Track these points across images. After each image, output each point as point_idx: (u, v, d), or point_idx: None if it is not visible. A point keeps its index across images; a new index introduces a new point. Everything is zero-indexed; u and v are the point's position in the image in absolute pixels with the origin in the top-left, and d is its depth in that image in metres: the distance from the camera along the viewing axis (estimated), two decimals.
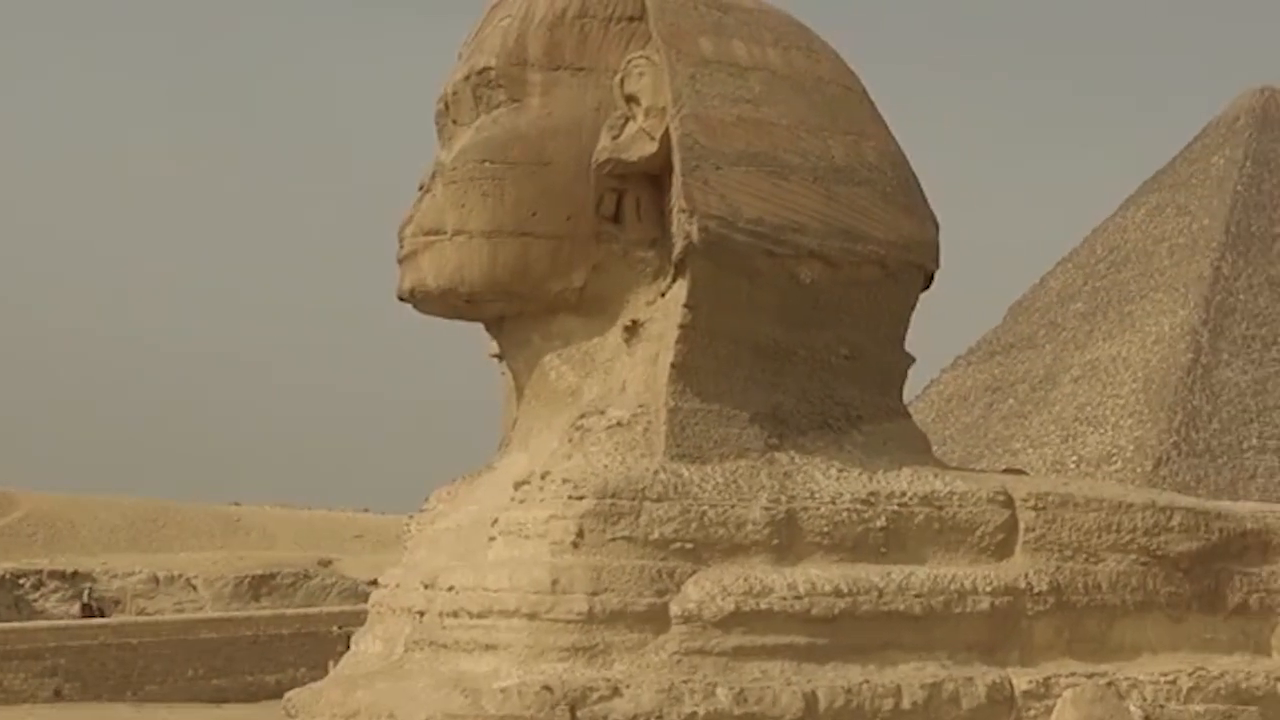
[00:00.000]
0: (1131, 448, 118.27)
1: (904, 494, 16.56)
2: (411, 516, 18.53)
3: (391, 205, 17.28)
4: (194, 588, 66.48)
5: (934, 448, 18.58)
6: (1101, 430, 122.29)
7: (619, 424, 16.27)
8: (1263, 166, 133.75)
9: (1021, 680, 16.32)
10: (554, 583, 15.32)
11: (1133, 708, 16.54)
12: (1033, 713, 16.26)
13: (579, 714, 14.79)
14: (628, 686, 15.02)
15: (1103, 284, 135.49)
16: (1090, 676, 16.55)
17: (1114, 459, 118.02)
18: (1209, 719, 16.86)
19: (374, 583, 18.79)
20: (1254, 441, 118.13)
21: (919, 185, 17.58)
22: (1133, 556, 17.03)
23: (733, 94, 16.56)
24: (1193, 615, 17.31)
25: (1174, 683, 16.85)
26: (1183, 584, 17.23)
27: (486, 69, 16.80)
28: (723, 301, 16.31)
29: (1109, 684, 16.57)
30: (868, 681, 15.69)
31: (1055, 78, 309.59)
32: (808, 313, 16.78)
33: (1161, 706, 16.67)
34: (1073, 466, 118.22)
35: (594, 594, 15.29)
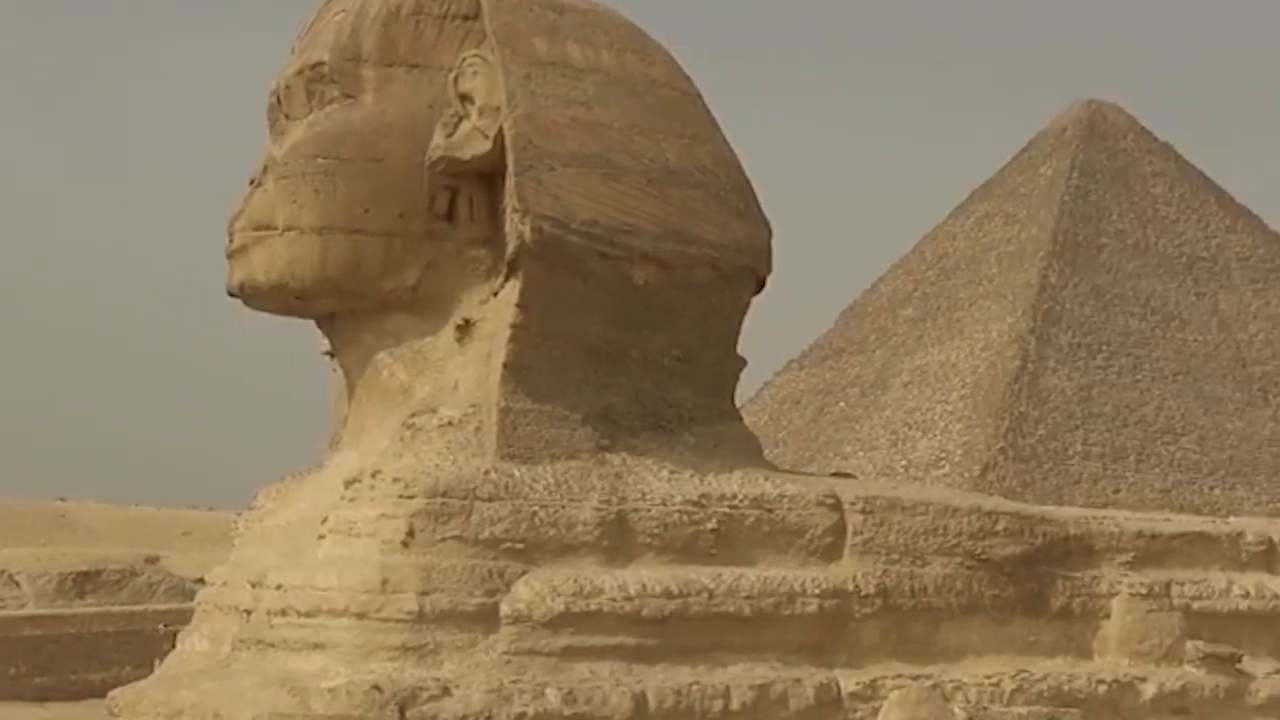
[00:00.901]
0: (960, 452, 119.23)
1: (735, 496, 16.62)
2: (240, 514, 18.35)
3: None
4: (17, 584, 65.30)
5: (766, 450, 18.68)
6: (930, 435, 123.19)
7: (450, 423, 16.23)
8: (1089, 177, 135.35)
9: (849, 682, 16.43)
10: (384, 582, 15.24)
11: (957, 709, 16.70)
12: (859, 714, 16.38)
13: (408, 714, 14.71)
14: (457, 686, 14.96)
15: (932, 290, 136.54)
16: (916, 678, 16.69)
17: (942, 463, 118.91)
18: None
19: (201, 581, 18.58)
20: (1079, 448, 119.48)
21: (752, 190, 17.65)
22: (958, 560, 17.19)
23: (567, 95, 16.55)
24: (1017, 618, 17.49)
25: (997, 685, 17.03)
26: (1007, 587, 17.41)
27: (320, 64, 16.68)
28: (555, 302, 16.31)
29: (934, 686, 16.72)
30: (697, 682, 15.73)
31: (886, 85, 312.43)
32: (640, 314, 16.80)
33: (985, 708, 16.85)
34: (902, 470, 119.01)
35: (424, 594, 15.22)
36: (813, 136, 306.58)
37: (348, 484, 16.19)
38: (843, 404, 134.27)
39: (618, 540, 16.03)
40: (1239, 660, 18.15)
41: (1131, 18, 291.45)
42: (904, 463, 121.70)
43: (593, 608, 15.55)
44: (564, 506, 15.90)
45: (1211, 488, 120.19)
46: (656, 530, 16.17)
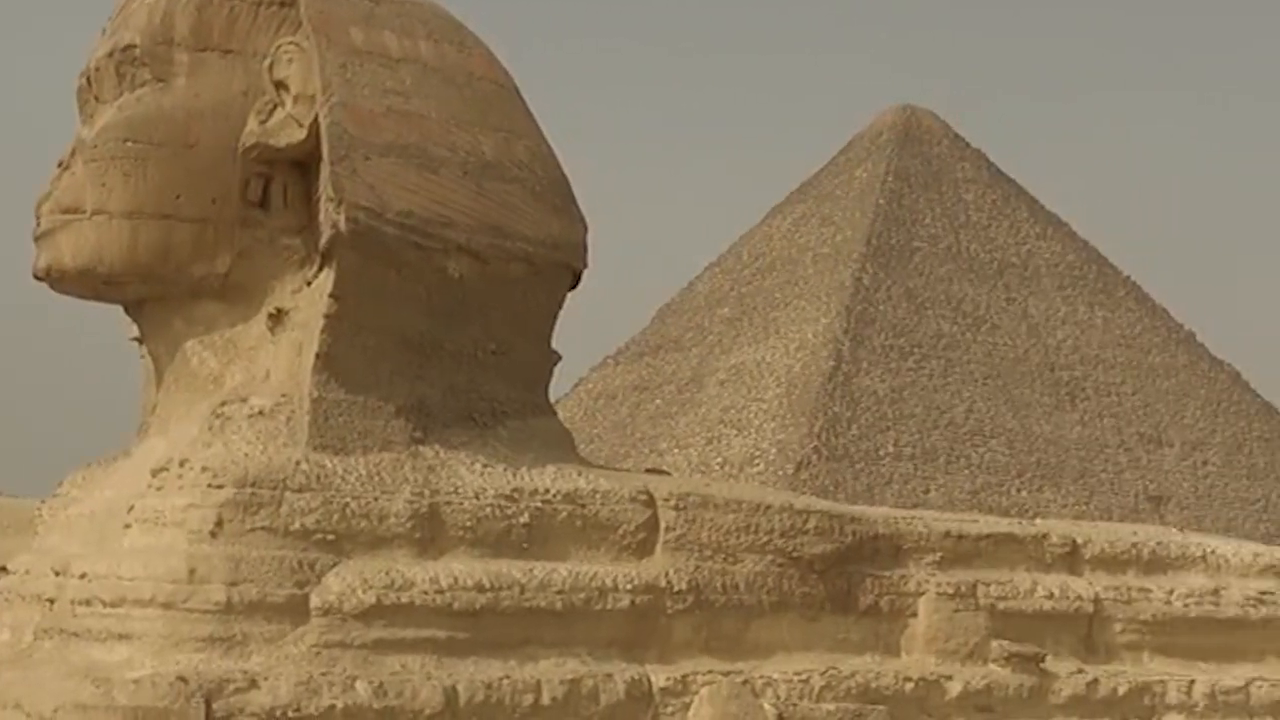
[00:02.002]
0: (774, 451, 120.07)
1: (548, 491, 16.59)
2: (44, 501, 18.06)
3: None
4: None
5: (582, 446, 18.67)
6: (745, 433, 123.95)
7: (261, 413, 16.06)
8: (903, 181, 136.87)
9: (660, 677, 16.46)
10: (191, 572, 15.05)
11: (767, 705, 16.78)
12: (670, 709, 16.41)
13: (214, 705, 14.53)
14: (265, 678, 14.81)
15: (748, 290, 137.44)
16: (727, 674, 16.75)
17: (757, 461, 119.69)
18: (839, 717, 17.17)
19: (3, 569, 18.25)
20: (890, 449, 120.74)
21: (569, 185, 17.64)
22: (770, 557, 17.27)
23: (383, 85, 16.44)
24: (826, 616, 17.60)
25: (806, 681, 17.13)
26: (817, 585, 17.52)
27: (131, 46, 16.44)
28: (369, 293, 16.19)
29: (744, 682, 16.79)
30: (508, 677, 15.69)
31: (706, 86, 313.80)
32: (455, 307, 16.74)
33: (794, 704, 16.94)
34: (717, 468, 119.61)
35: (232, 584, 15.05)
36: (629, 133, 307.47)
37: (155, 473, 15.97)
38: (659, 401, 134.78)
39: (430, 533, 15.95)
40: (1042, 660, 18.40)
41: (947, 24, 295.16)
42: (719, 460, 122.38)
43: (404, 601, 15.45)
44: (376, 498, 15.80)
45: (1019, 490, 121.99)
46: (469, 524, 16.11)
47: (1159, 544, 20.03)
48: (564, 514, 16.60)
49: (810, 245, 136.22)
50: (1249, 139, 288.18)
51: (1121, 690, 18.76)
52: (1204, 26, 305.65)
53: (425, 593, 15.57)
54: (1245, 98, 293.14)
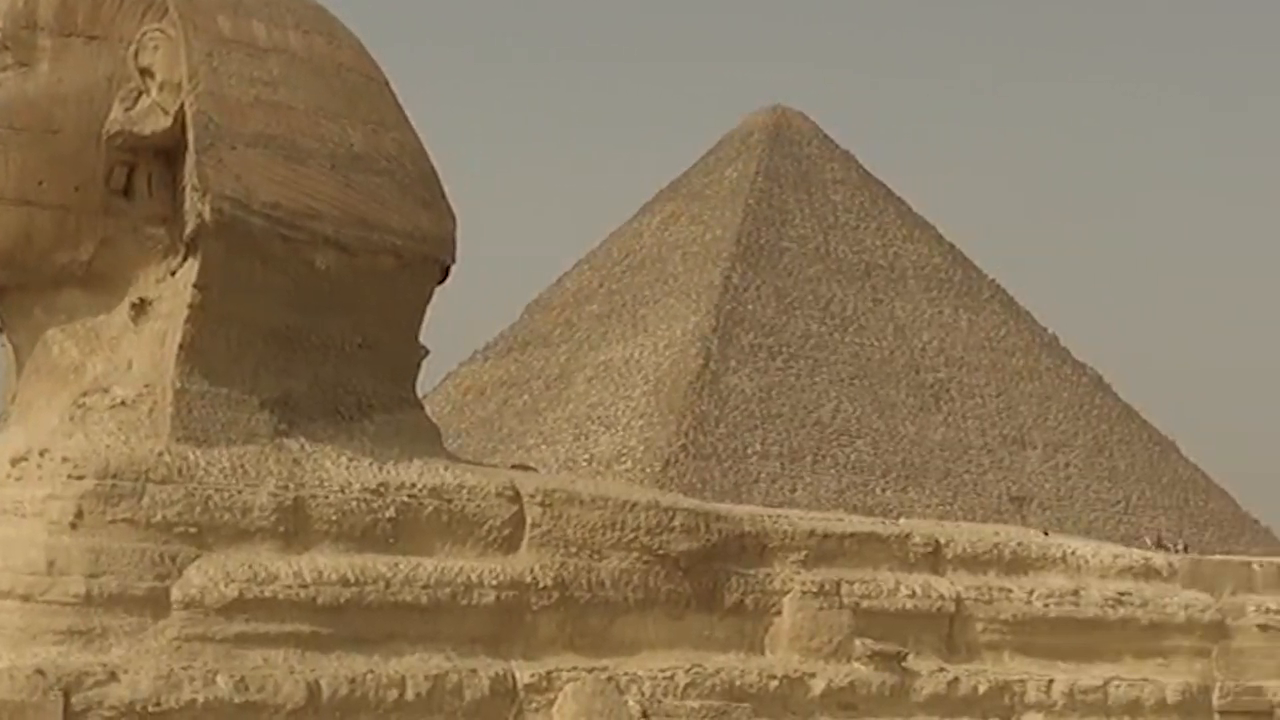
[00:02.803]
0: (641, 448, 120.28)
1: (414, 485, 16.53)
2: None
3: None
4: None
5: (449, 441, 18.61)
6: (613, 430, 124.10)
7: (123, 403, 15.89)
8: (773, 181, 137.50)
9: (524, 673, 16.44)
10: (50, 564, 14.87)
11: (631, 702, 16.80)
12: (534, 705, 16.39)
13: (73, 699, 14.36)
14: (125, 671, 14.65)
15: (618, 287, 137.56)
16: (591, 671, 16.75)
17: (624, 459, 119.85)
18: (704, 715, 17.21)
19: None
20: (758, 448, 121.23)
21: (437, 178, 17.56)
22: (635, 554, 17.29)
23: (250, 75, 16.29)
24: (691, 613, 17.63)
25: (671, 679, 17.17)
26: (683, 583, 17.55)
27: None
28: (234, 284, 16.04)
29: (609, 679, 16.80)
30: (372, 671, 15.62)
31: (578, 82, 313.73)
32: (322, 300, 16.61)
33: (659, 701, 16.97)
34: (585, 465, 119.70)
35: (92, 576, 14.87)
36: (499, 128, 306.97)
37: (14, 462, 15.77)
38: (527, 397, 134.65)
39: (294, 526, 15.84)
40: (904, 658, 18.53)
41: (818, 24, 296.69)
42: (586, 457, 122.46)
43: (267, 594, 15.34)
44: (240, 491, 15.67)
45: (884, 489, 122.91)
46: (334, 518, 16.02)
47: (1020, 544, 20.23)
48: (430, 509, 16.54)
49: (680, 243, 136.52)
50: (1113, 143, 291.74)
51: (982, 689, 18.92)
52: (1070, 26, 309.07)
53: (289, 587, 15.46)
54: (1109, 103, 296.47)
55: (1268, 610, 21.13)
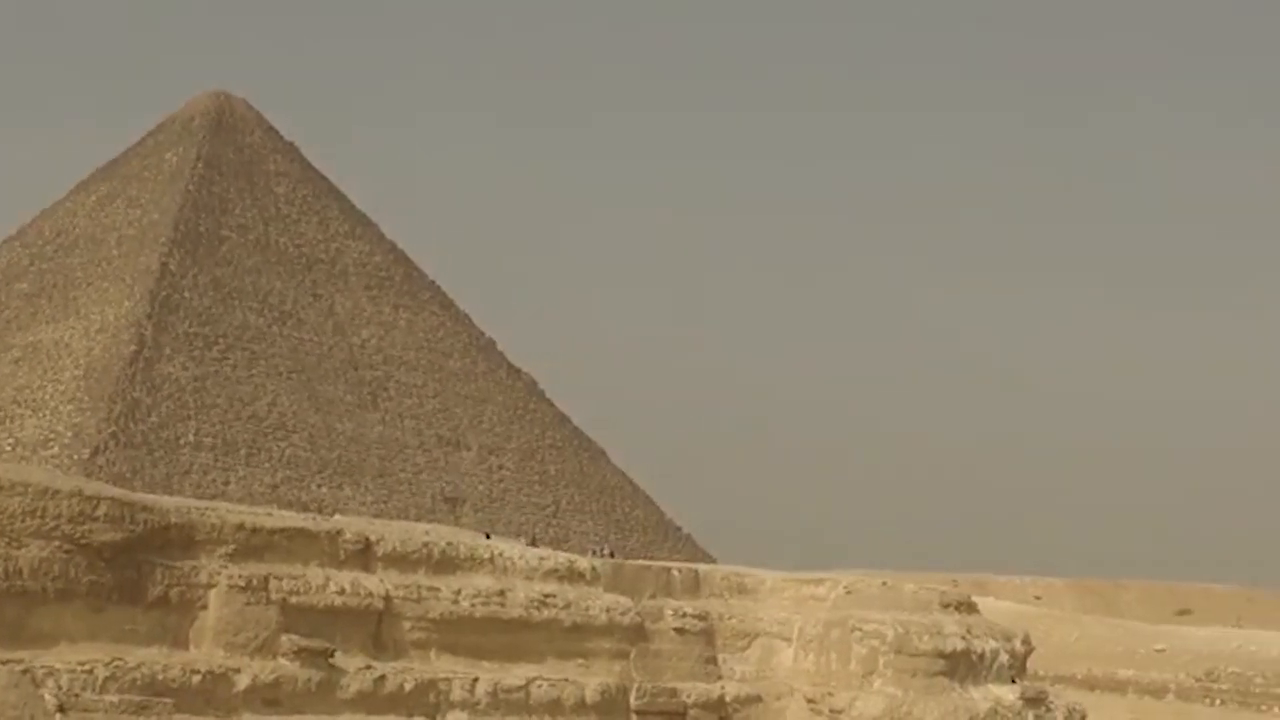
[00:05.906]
0: (70, 434, 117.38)
1: None
2: None
3: None
4: None
5: None
6: (40, 415, 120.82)
7: None
8: (214, 169, 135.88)
9: None
10: None
11: (47, 696, 16.36)
12: None
13: None
14: None
15: (49, 267, 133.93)
16: (6, 663, 16.25)
17: (52, 444, 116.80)
18: (123, 709, 16.88)
19: None
20: (191, 438, 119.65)
21: None
22: (56, 543, 16.86)
23: None
24: (114, 606, 17.32)
25: (91, 672, 16.80)
26: (105, 574, 17.21)
27: None
28: None
29: (25, 671, 16.33)
30: None
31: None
32: None
33: (76, 695, 16.57)
34: (9, 450, 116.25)
35: None
36: None
37: None
38: None
39: None
40: (332, 655, 18.53)
41: (271, 12, 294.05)
42: (10, 441, 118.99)
43: None
44: None
45: (319, 485, 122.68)
46: None
47: (450, 544, 20.46)
48: None
49: (116, 226, 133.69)
50: (563, 155, 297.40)
51: (408, 687, 19.06)
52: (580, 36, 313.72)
53: None
54: (562, 114, 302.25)
55: (684, 614, 21.84)
